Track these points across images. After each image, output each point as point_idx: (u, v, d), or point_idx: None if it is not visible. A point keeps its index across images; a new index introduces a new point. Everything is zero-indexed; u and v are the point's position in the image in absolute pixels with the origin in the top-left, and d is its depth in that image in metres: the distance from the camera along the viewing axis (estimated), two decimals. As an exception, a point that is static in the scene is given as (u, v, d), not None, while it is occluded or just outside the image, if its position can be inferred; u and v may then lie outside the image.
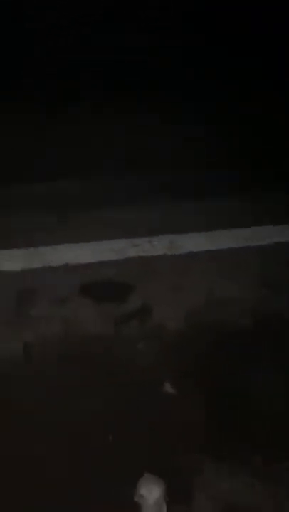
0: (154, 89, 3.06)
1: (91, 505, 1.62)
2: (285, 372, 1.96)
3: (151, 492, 1.60)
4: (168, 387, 1.88)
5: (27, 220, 2.51)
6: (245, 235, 2.52)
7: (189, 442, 1.76)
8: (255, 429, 1.80)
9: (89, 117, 3.00)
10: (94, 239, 2.47)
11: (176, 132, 2.92)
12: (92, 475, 1.68)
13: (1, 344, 2.00)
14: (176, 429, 1.79)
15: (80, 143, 2.86)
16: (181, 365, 1.96)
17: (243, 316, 2.15)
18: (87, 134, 2.92)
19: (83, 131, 2.92)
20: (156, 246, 2.47)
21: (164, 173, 2.77)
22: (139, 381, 1.91)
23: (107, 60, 3.21)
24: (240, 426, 1.82)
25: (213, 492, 1.67)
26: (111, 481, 1.66)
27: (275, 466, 1.73)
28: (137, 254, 2.42)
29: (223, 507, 1.65)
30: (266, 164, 2.81)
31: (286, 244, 2.49)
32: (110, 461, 1.71)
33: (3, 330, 2.05)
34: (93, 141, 2.88)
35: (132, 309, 2.18)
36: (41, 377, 1.92)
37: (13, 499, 1.61)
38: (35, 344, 2.02)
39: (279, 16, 3.42)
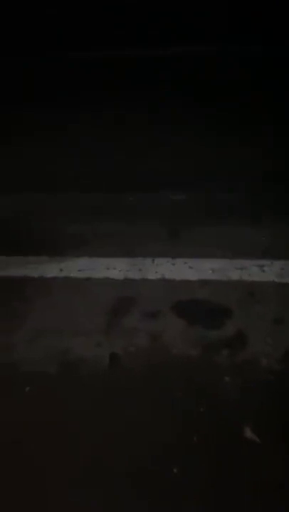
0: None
1: None
2: None
3: None
4: (248, 432, 1.66)
5: (132, 230, 2.47)
6: None
7: (258, 501, 1.53)
8: None
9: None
10: (198, 255, 2.33)
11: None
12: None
13: (91, 349, 1.97)
14: (245, 482, 1.57)
15: (180, 154, 2.75)
16: (269, 410, 1.73)
17: None
18: (187, 144, 2.79)
19: (178, 143, 2.80)
20: (265, 270, 2.25)
21: (282, 187, 2.54)
22: (217, 418, 1.72)
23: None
24: None
25: None
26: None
27: None
28: (242, 277, 2.22)
29: None
30: None
31: None
32: (167, 497, 1.56)
33: (96, 336, 2.02)
34: (201, 152, 2.75)
35: (225, 336, 1.99)
36: (121, 389, 1.83)
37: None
38: (121, 355, 1.94)
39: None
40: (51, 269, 2.34)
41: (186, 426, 1.71)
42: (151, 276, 2.27)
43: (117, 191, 2.70)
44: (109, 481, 1.60)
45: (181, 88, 2.86)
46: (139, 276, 2.28)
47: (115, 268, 2.32)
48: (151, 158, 2.77)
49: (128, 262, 2.34)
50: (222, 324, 2.03)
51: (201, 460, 1.62)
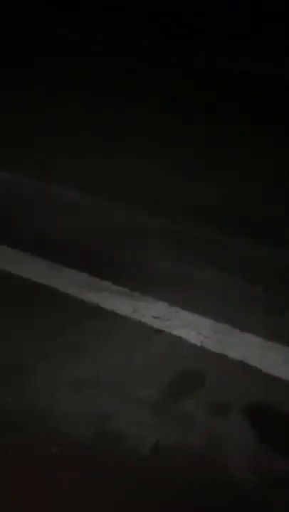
0: None
1: None
2: None
3: None
4: None
5: (231, 281, 2.06)
6: None
7: None
8: None
9: None
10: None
11: None
12: None
13: (132, 426, 1.59)
14: None
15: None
16: None
17: None
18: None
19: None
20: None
21: None
22: None
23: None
24: None
25: None
26: None
27: None
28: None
29: None
30: None
31: None
32: None
33: (141, 409, 1.64)
34: None
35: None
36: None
37: None
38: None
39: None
40: (123, 305, 2.00)
41: None
42: (232, 353, 1.84)
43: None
44: None
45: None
46: (218, 348, 1.86)
47: (194, 328, 1.92)
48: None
49: (210, 326, 1.93)
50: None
51: None
